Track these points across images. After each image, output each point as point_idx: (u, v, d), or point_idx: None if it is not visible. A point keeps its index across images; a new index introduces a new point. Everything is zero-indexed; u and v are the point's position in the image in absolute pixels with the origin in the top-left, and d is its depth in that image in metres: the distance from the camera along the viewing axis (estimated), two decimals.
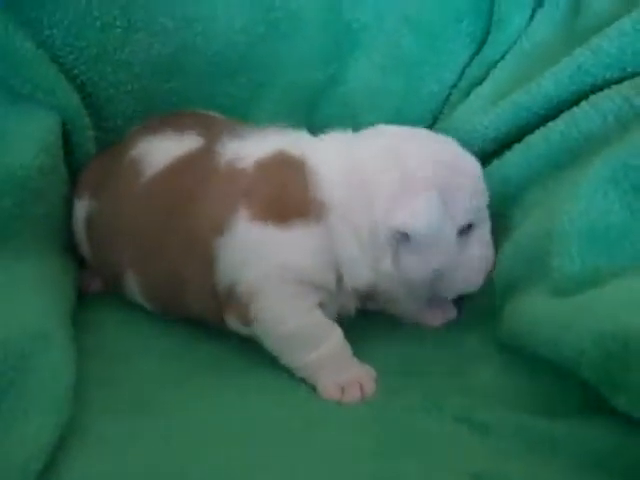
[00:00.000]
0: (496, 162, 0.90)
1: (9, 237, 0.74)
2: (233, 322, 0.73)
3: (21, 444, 0.55)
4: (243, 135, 0.78)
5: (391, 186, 0.71)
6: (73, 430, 0.59)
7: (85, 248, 0.88)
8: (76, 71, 0.90)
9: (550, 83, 0.87)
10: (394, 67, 1.04)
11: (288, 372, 0.71)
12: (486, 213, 0.80)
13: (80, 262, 0.90)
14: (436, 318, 0.85)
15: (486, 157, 0.92)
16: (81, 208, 0.87)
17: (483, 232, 0.79)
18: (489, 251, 0.80)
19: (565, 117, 0.83)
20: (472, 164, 0.79)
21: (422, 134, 0.80)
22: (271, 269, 0.69)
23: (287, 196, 0.71)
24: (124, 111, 0.96)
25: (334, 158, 0.73)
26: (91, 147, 0.91)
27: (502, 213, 0.87)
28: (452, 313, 0.85)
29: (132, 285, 0.81)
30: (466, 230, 0.76)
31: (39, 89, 0.82)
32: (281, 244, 0.70)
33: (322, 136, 0.78)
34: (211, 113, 0.91)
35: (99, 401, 0.65)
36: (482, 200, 0.78)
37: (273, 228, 0.70)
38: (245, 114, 0.98)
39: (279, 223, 0.70)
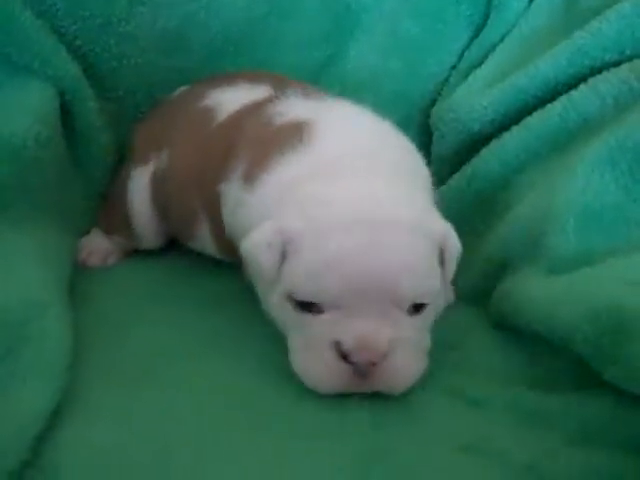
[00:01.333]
0: (494, 144, 0.90)
1: (5, 207, 0.74)
2: None
3: (18, 410, 0.54)
4: (308, 96, 0.77)
5: None
6: (71, 399, 0.59)
7: (145, 214, 0.88)
8: (79, 42, 0.90)
9: (549, 65, 0.88)
10: (394, 48, 1.05)
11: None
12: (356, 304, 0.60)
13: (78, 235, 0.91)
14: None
15: (484, 139, 0.93)
16: (145, 173, 0.87)
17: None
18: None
19: (564, 100, 0.84)
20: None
21: None
22: None
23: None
24: (127, 83, 0.96)
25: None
26: (94, 118, 0.91)
27: (498, 195, 0.88)
28: (451, 296, 0.84)
29: (203, 234, 0.81)
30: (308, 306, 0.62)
31: (36, 59, 0.82)
32: None
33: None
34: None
35: (98, 371, 0.65)
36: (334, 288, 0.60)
37: None
38: None
39: None
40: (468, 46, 1.07)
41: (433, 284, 0.63)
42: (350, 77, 1.03)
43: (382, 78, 1.06)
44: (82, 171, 0.91)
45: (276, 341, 0.67)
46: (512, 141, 0.88)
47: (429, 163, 1.06)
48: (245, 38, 0.98)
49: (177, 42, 0.96)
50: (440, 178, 0.99)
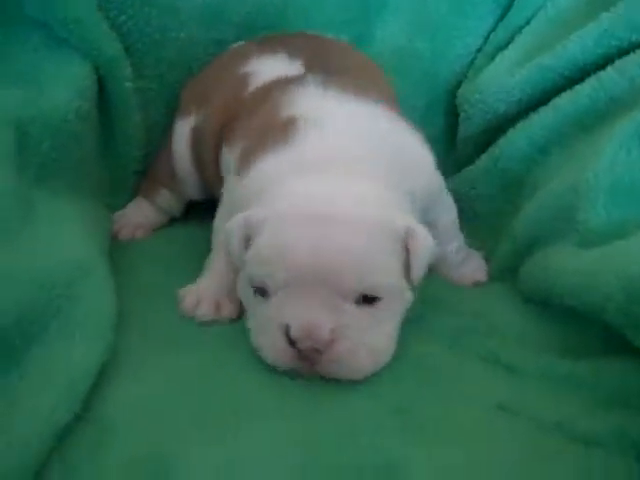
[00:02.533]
0: (521, 124, 0.91)
1: (48, 178, 0.75)
2: None
3: (69, 366, 0.57)
4: (323, 85, 0.78)
5: None
6: (115, 358, 0.62)
7: (185, 162, 0.93)
8: (123, 17, 0.92)
9: (576, 46, 0.89)
10: (421, 29, 1.06)
11: None
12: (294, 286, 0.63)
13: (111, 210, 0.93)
14: (465, 278, 0.86)
15: (510, 119, 0.94)
16: (186, 125, 0.92)
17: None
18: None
19: (592, 81, 0.85)
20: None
21: None
22: None
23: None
24: (168, 58, 0.98)
25: None
26: (129, 98, 0.92)
27: (525, 175, 0.89)
28: (482, 276, 0.86)
29: None
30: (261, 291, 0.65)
31: (74, 35, 0.83)
32: None
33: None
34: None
35: (137, 333, 0.67)
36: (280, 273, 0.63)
37: None
38: None
39: None
40: (494, 28, 1.08)
41: (384, 279, 0.64)
42: (377, 58, 1.03)
43: (409, 59, 1.07)
44: (117, 148, 0.93)
45: None
46: (539, 121, 0.89)
47: (454, 145, 1.09)
48: (278, 16, 1.00)
49: (216, 15, 0.97)
50: (466, 159, 1.01)
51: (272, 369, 0.63)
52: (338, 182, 0.67)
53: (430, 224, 0.75)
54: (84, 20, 0.83)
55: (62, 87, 0.80)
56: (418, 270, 0.67)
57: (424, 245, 0.67)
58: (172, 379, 0.61)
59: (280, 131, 0.72)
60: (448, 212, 0.84)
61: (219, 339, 0.69)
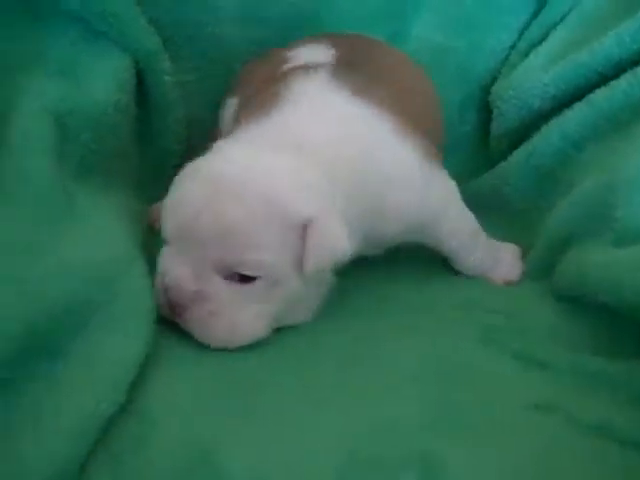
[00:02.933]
0: (555, 120, 0.91)
1: (88, 172, 0.76)
2: None
3: (112, 359, 0.58)
4: (330, 76, 0.77)
5: None
6: (155, 352, 0.62)
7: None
8: (160, 10, 0.94)
9: (612, 42, 0.89)
10: (456, 26, 1.06)
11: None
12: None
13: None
14: (497, 278, 0.85)
15: (544, 116, 0.94)
16: (233, 103, 0.93)
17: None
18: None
19: (628, 76, 0.85)
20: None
21: None
22: None
23: None
24: (203, 53, 1.00)
25: None
26: (168, 91, 0.93)
27: (559, 171, 0.89)
28: (514, 276, 0.85)
29: None
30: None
31: (113, 29, 0.83)
32: None
33: None
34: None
35: (174, 326, 0.68)
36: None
37: None
38: None
39: None
40: (528, 25, 1.07)
41: (256, 260, 0.64)
42: (412, 55, 1.04)
43: (444, 56, 1.08)
44: (156, 142, 0.94)
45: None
46: (574, 117, 0.89)
47: (486, 142, 1.09)
48: (314, 12, 1.01)
49: (254, 13, 0.99)
50: (499, 156, 1.01)
51: (314, 363, 0.65)
52: (265, 157, 0.67)
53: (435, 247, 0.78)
54: (122, 14, 0.84)
55: (101, 80, 0.81)
56: (310, 264, 0.65)
57: (320, 243, 0.65)
58: (213, 373, 0.62)
59: (262, 106, 0.74)
60: (456, 234, 0.81)
61: None
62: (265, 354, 0.66)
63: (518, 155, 0.95)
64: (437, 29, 1.07)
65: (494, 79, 1.08)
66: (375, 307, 0.76)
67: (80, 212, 0.68)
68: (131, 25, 0.85)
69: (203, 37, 0.98)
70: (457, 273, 0.85)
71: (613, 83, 0.86)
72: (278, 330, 0.69)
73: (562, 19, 1.04)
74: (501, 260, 0.86)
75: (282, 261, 0.65)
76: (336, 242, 0.66)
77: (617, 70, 0.88)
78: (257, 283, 0.65)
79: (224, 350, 0.65)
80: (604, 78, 0.89)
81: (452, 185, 0.80)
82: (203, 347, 0.66)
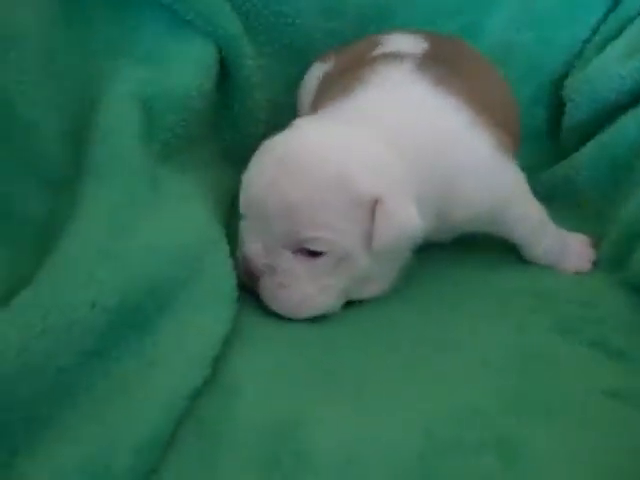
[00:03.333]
0: (631, 111, 0.91)
1: (171, 155, 0.79)
2: None
3: (197, 335, 0.60)
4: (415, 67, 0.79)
5: None
6: (237, 328, 0.65)
7: (305, 104, 0.96)
8: None
9: None
10: (528, 21, 1.06)
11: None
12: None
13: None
14: (568, 267, 0.84)
15: (621, 108, 0.93)
16: (320, 68, 0.96)
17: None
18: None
19: None
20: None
21: None
22: None
23: None
24: (283, 42, 1.02)
25: None
26: (251, 75, 0.94)
27: (634, 162, 0.88)
28: (584, 265, 0.85)
29: None
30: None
31: (199, 17, 0.85)
32: None
33: None
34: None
35: (254, 307, 0.70)
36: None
37: None
38: None
39: None
40: (604, 19, 1.06)
41: (324, 236, 0.67)
42: (484, 49, 1.04)
43: (516, 50, 1.07)
44: (237, 125, 0.96)
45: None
46: None
47: (555, 136, 1.08)
48: (387, 5, 1.02)
49: (333, 5, 1.01)
50: (571, 149, 1.00)
51: (390, 342, 0.67)
52: (339, 135, 0.70)
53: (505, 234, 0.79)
54: (209, 2, 0.86)
55: (185, 65, 0.83)
56: (378, 242, 0.68)
57: (389, 221, 0.67)
58: (294, 347, 0.64)
59: (345, 88, 0.76)
60: (524, 221, 0.81)
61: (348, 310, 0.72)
62: (342, 331, 0.68)
63: (592, 146, 0.94)
64: (510, 23, 1.07)
65: (566, 73, 1.08)
66: (450, 292, 0.77)
67: (166, 194, 0.70)
68: (216, 12, 0.87)
69: (282, 26, 1.00)
70: (528, 263, 0.84)
71: None
72: (354, 306, 0.71)
73: (639, 13, 1.02)
74: (571, 249, 0.85)
75: (349, 238, 0.68)
76: (405, 221, 0.68)
77: None
78: (324, 258, 0.68)
79: (304, 328, 0.68)
80: None
81: (521, 176, 0.80)
82: (283, 325, 0.68)
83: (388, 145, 0.70)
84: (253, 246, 0.70)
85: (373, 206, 0.67)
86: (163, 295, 0.61)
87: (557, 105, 1.07)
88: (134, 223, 0.63)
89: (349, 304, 0.72)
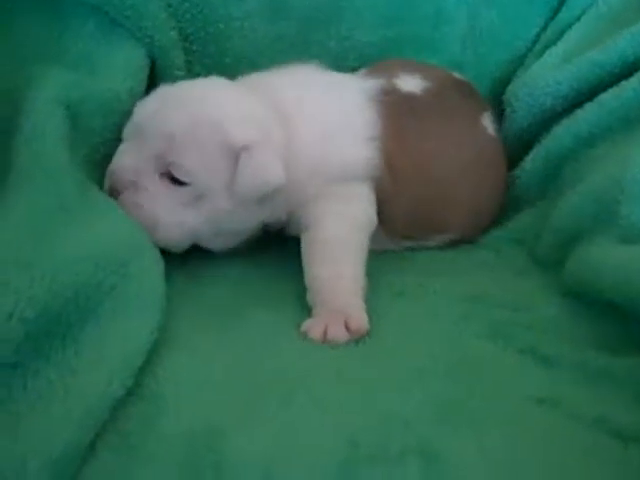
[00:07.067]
0: (566, 120, 0.92)
1: (99, 159, 0.78)
2: None
3: (121, 343, 0.59)
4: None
5: None
6: (165, 336, 0.64)
7: None
8: (187, 4, 0.94)
9: (626, 42, 0.89)
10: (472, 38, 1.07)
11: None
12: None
13: None
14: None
15: (556, 115, 0.94)
16: None
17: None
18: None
19: (639, 74, 0.85)
20: None
21: None
22: None
23: None
24: (232, 49, 0.98)
25: None
26: None
27: (571, 168, 0.90)
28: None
29: None
30: None
31: (129, 21, 0.84)
32: None
33: None
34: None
35: (184, 315, 0.69)
36: None
37: None
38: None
39: None
40: (544, 28, 1.07)
41: (191, 167, 0.73)
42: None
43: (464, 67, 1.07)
44: None
45: None
46: (584, 117, 0.90)
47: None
48: (332, 13, 1.01)
49: (279, 8, 0.99)
50: (511, 155, 1.01)
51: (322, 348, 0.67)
52: (230, 89, 0.79)
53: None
54: (140, 6, 0.84)
55: (114, 68, 0.82)
56: (240, 187, 0.73)
57: (253, 170, 0.72)
58: (222, 355, 0.64)
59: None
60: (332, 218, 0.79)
61: (268, 313, 0.72)
62: (274, 337, 0.68)
63: (531, 161, 0.97)
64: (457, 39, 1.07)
65: (504, 86, 1.08)
66: (381, 298, 0.77)
67: (93, 199, 0.70)
68: (148, 19, 0.86)
69: (231, 32, 0.97)
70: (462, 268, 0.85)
71: (623, 82, 0.86)
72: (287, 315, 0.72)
73: (578, 19, 1.03)
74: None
75: (214, 175, 0.73)
76: (268, 172, 0.73)
77: (630, 70, 0.88)
78: (186, 188, 0.73)
79: (233, 336, 0.67)
80: (617, 78, 0.90)
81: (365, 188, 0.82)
82: (212, 333, 0.67)
83: (271, 108, 0.77)
84: (121, 161, 0.74)
85: (240, 153, 0.72)
86: (87, 303, 0.59)
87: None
88: (56, 229, 0.62)
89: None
